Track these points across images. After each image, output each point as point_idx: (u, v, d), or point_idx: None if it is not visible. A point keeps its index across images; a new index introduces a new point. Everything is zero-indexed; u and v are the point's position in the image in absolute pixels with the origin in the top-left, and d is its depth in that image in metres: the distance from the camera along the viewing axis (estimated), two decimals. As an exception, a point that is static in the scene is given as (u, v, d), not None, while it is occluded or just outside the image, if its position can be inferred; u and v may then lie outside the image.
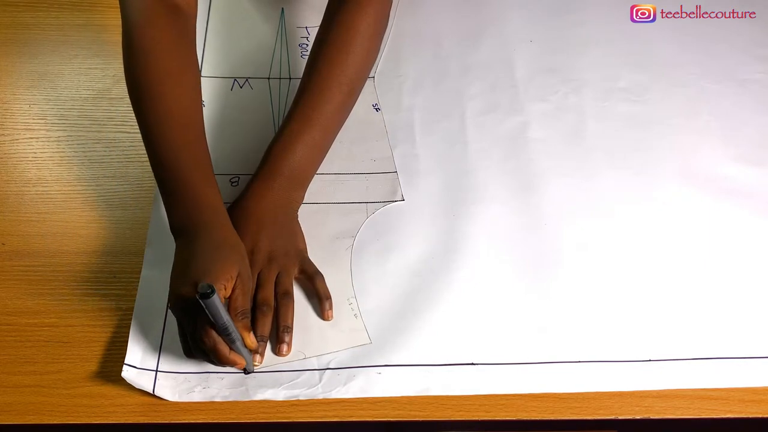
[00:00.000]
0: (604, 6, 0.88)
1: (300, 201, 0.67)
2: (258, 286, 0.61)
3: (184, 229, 0.58)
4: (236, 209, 0.65)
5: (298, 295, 0.63)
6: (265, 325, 0.59)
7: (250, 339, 0.56)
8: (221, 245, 0.57)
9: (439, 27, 0.85)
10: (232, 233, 0.59)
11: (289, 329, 0.60)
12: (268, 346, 0.60)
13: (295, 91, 0.70)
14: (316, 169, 0.68)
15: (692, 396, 0.59)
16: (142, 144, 0.73)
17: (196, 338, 0.54)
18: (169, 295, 0.55)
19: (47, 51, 0.82)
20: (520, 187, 0.71)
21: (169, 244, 0.66)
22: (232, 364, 0.55)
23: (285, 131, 0.66)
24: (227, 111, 0.75)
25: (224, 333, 0.53)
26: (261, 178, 0.65)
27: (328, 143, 0.69)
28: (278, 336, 0.60)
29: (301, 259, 0.64)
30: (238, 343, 0.54)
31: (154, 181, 0.69)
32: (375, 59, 0.73)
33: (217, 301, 0.50)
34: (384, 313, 0.62)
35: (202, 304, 0.49)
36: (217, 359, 0.54)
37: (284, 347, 0.59)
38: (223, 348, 0.53)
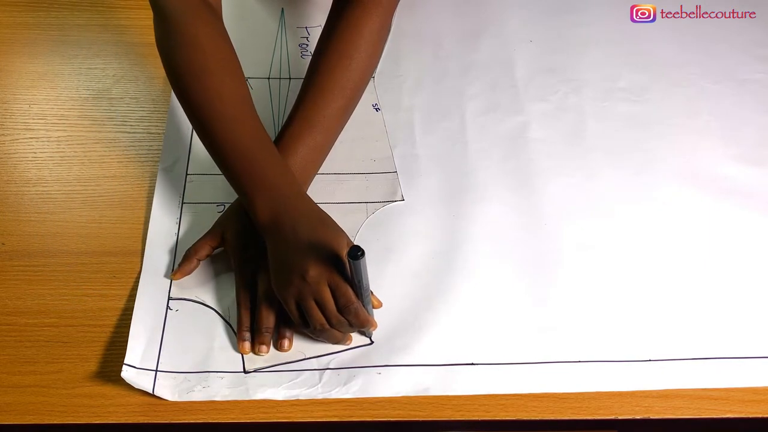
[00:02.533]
0: (604, 6, 0.88)
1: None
2: (261, 282, 0.62)
3: (278, 213, 0.60)
4: (236, 209, 0.65)
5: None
6: (270, 317, 0.60)
7: (378, 299, 0.62)
8: (324, 220, 0.60)
9: (439, 27, 0.85)
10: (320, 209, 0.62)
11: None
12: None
13: (296, 91, 0.70)
14: (317, 171, 0.68)
15: (692, 396, 0.59)
16: (142, 144, 0.74)
17: (339, 307, 0.57)
18: (284, 281, 0.58)
19: (47, 51, 0.82)
20: (520, 187, 0.71)
21: (169, 244, 0.66)
22: (370, 325, 0.59)
23: (286, 133, 0.66)
24: (227, 111, 0.75)
25: (363, 295, 0.57)
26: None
27: (329, 145, 0.69)
28: (279, 331, 0.60)
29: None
30: (369, 306, 0.59)
31: (154, 181, 0.70)
32: (377, 63, 0.73)
33: (365, 261, 0.53)
34: (384, 313, 0.62)
35: (353, 266, 0.53)
36: (360, 321, 0.58)
37: (285, 342, 0.60)
38: (364, 310, 0.58)
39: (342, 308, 0.57)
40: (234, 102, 0.63)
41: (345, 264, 0.55)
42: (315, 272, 0.56)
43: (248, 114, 0.64)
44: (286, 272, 0.58)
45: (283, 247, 0.59)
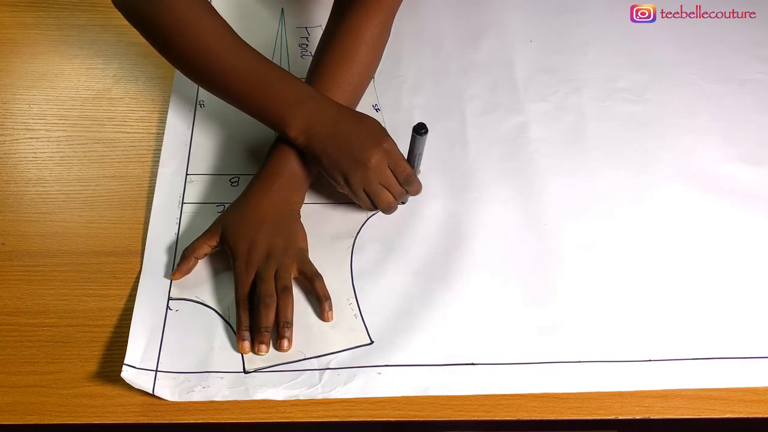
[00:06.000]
0: (604, 6, 0.88)
1: (300, 202, 0.67)
2: (259, 281, 0.61)
3: (315, 121, 0.64)
4: (236, 208, 0.65)
5: (298, 296, 0.63)
6: (269, 317, 0.60)
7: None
8: (355, 112, 0.67)
9: (439, 27, 0.85)
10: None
11: (289, 324, 0.60)
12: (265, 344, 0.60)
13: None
14: (316, 172, 0.68)
15: (692, 396, 0.59)
16: (142, 144, 0.74)
17: (401, 181, 0.65)
18: (348, 176, 0.63)
19: (47, 51, 0.82)
20: (520, 187, 0.71)
21: (169, 244, 0.66)
22: (420, 188, 0.67)
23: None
24: (227, 111, 0.75)
25: (416, 164, 0.66)
26: (261, 178, 0.65)
27: None
28: (278, 331, 0.60)
29: (300, 259, 0.64)
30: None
31: (154, 181, 0.70)
32: (377, 67, 0.73)
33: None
34: (384, 313, 0.62)
35: (417, 141, 0.63)
36: (417, 187, 0.66)
37: (285, 342, 0.60)
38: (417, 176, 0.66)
39: (404, 181, 0.65)
40: (223, 37, 0.65)
41: (394, 144, 0.64)
42: (376, 159, 0.63)
43: (240, 43, 0.66)
44: (347, 168, 0.63)
45: (334, 149, 0.63)
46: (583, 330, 0.62)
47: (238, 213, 0.64)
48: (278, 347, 0.60)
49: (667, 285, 0.65)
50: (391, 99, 0.78)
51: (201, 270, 0.64)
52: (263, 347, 0.59)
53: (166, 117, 0.75)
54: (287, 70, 0.79)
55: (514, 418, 0.58)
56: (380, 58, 0.73)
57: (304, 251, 0.65)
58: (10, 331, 0.61)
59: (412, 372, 0.59)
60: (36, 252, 0.66)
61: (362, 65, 0.69)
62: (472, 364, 0.60)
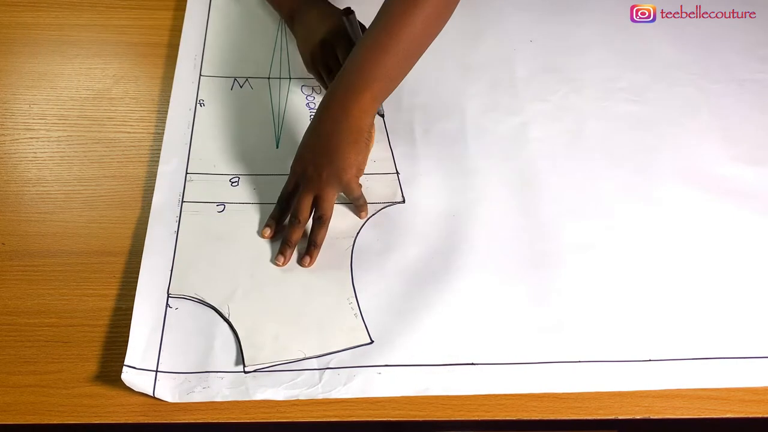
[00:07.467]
0: (604, 6, 0.88)
1: (373, 114, 0.67)
2: (296, 199, 0.66)
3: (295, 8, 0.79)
4: (318, 119, 0.67)
5: (299, 294, 0.63)
6: (293, 235, 0.65)
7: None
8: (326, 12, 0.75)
9: (439, 27, 0.85)
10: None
11: (316, 246, 0.65)
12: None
13: (296, 91, 0.70)
14: (401, 80, 0.68)
15: (692, 396, 0.59)
16: (142, 144, 0.74)
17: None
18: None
19: (47, 51, 0.82)
20: (520, 187, 0.71)
21: (168, 243, 0.66)
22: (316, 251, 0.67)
23: (370, 40, 0.66)
24: (227, 110, 0.75)
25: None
26: (342, 89, 0.66)
27: (417, 56, 0.68)
28: (306, 249, 0.65)
29: (344, 186, 0.66)
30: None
31: (154, 181, 0.70)
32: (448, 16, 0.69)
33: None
34: (384, 313, 0.62)
35: (347, 22, 0.70)
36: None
37: (307, 260, 0.65)
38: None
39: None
40: None
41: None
42: (316, 42, 0.68)
43: None
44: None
45: (300, 28, 0.73)
46: (583, 330, 0.62)
47: (317, 126, 0.66)
48: (300, 263, 0.65)
49: (666, 285, 0.65)
50: (391, 99, 0.77)
51: (200, 267, 0.64)
52: (281, 258, 0.64)
53: (166, 117, 0.75)
54: (287, 70, 0.80)
55: (514, 418, 0.58)
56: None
57: (350, 181, 0.66)
58: (10, 331, 0.61)
59: (412, 372, 0.59)
60: (36, 252, 0.66)
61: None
62: (472, 364, 0.60)
